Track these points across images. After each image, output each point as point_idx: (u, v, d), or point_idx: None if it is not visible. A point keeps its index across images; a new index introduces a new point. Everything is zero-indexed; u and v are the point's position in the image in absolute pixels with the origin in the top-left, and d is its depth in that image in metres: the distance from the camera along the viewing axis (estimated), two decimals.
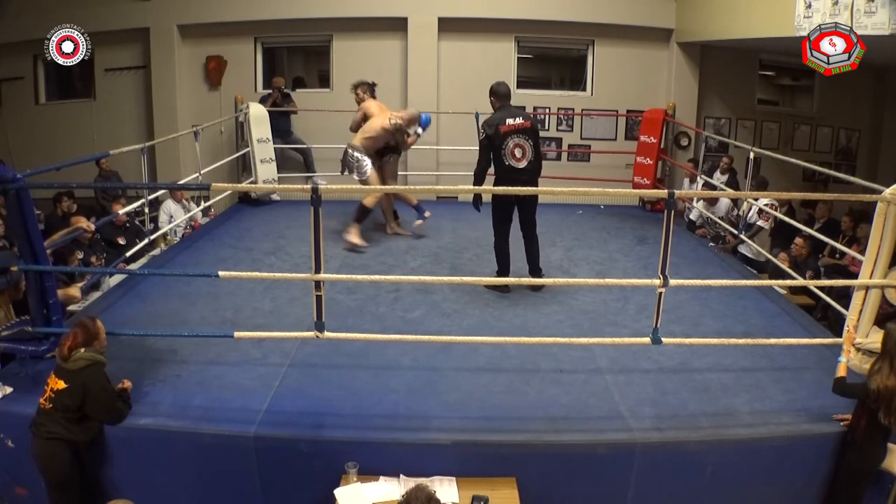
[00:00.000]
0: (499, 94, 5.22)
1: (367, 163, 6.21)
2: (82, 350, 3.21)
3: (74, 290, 4.76)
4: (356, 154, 6.20)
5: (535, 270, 5.31)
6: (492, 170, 5.15)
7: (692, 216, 7.42)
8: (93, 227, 4.87)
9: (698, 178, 7.44)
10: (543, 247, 6.14)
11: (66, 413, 3.18)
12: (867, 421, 3.26)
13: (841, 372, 3.43)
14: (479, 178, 5.12)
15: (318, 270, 3.47)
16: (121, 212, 6.16)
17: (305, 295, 4.30)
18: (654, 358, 4.12)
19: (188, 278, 5.04)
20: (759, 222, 6.42)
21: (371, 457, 3.24)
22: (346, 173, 6.38)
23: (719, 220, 6.80)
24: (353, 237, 6.17)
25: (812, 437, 3.45)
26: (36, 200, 3.92)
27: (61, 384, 3.16)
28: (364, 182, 6.23)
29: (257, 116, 7.78)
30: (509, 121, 5.05)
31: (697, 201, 7.33)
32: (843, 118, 9.17)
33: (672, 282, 3.53)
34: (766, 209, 6.27)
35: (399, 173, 8.56)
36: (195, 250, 6.16)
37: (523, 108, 6.65)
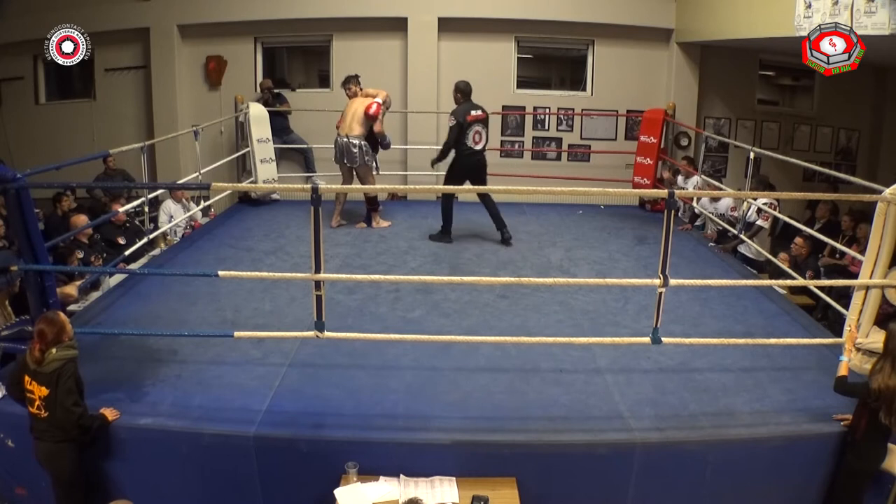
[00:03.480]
0: (464, 92, 6.26)
1: (370, 150, 6.58)
2: (53, 351, 3.14)
3: (71, 289, 4.77)
4: (361, 143, 6.47)
5: (502, 227, 6.40)
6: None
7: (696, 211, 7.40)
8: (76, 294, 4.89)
9: (698, 176, 7.44)
10: (543, 247, 6.17)
11: None
12: (868, 421, 3.26)
13: (842, 371, 3.43)
14: (444, 155, 6.27)
15: (318, 270, 3.47)
16: (120, 210, 6.16)
17: (305, 295, 4.30)
18: (654, 358, 4.12)
19: (188, 278, 5.04)
20: (759, 221, 6.41)
21: (371, 457, 3.24)
22: (349, 163, 6.57)
23: (711, 216, 6.80)
24: (381, 223, 6.84)
25: (812, 437, 3.45)
26: (36, 200, 3.93)
27: (45, 391, 3.11)
28: (368, 169, 6.61)
29: (257, 116, 7.78)
30: (473, 112, 6.17)
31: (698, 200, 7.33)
32: (843, 118, 9.16)
33: (672, 282, 3.53)
34: (765, 208, 6.26)
35: (399, 173, 8.62)
36: (195, 250, 6.16)
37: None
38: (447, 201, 6.47)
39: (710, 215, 6.86)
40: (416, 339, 3.98)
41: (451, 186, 6.28)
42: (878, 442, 3.32)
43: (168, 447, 3.36)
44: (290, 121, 8.60)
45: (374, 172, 7.20)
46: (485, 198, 6.39)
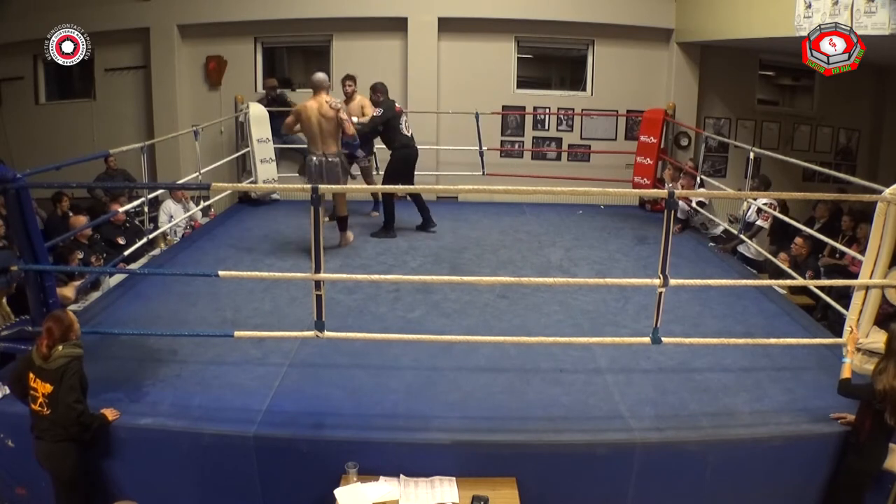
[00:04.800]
0: (384, 90, 6.63)
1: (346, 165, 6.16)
2: (60, 348, 3.16)
3: (68, 291, 4.75)
4: (337, 160, 5.81)
5: (429, 221, 6.81)
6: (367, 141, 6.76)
7: (679, 215, 7.37)
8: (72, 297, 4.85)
9: (698, 177, 7.43)
10: (543, 247, 6.17)
11: None
12: (872, 422, 3.25)
13: (846, 373, 3.41)
14: (366, 128, 6.47)
15: (318, 270, 3.47)
16: (120, 210, 6.16)
17: (305, 295, 4.29)
18: (654, 358, 4.11)
19: (188, 278, 5.04)
20: (759, 221, 6.41)
21: (371, 457, 3.24)
22: (332, 183, 5.69)
23: (699, 210, 6.81)
24: (349, 240, 6.30)
25: (812, 437, 3.45)
26: (36, 200, 3.93)
27: (49, 388, 3.12)
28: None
29: (257, 116, 7.78)
30: (396, 106, 6.60)
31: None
32: (843, 118, 9.16)
33: (672, 282, 3.53)
34: (765, 208, 6.27)
35: None
36: (195, 250, 6.16)
37: None
38: (392, 199, 6.67)
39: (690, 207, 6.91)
40: (416, 339, 3.98)
41: (394, 186, 6.42)
42: (882, 442, 3.32)
43: (168, 447, 3.36)
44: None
45: (375, 172, 7.19)
46: (416, 197, 6.84)
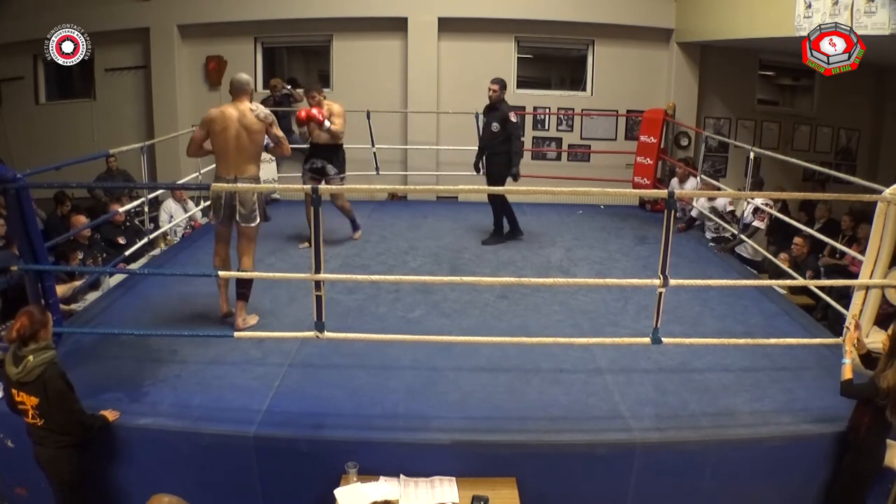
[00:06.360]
0: (507, 87, 6.34)
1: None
2: (31, 358, 3.04)
3: (59, 289, 4.74)
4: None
5: (516, 229, 6.56)
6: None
7: (693, 213, 7.40)
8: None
9: (699, 176, 7.43)
10: (543, 246, 6.15)
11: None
12: (871, 419, 3.25)
13: (847, 374, 3.39)
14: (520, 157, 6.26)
15: (318, 270, 3.47)
16: (120, 210, 6.16)
17: (305, 295, 4.29)
18: (654, 358, 4.11)
19: (188, 278, 5.04)
20: (755, 222, 6.41)
21: (371, 457, 3.24)
22: (244, 221, 4.52)
23: (710, 216, 6.80)
24: (248, 320, 4.42)
25: (812, 437, 3.44)
26: (36, 200, 3.93)
27: (35, 400, 3.07)
28: (254, 228, 4.50)
29: None
30: None
31: (697, 201, 7.32)
32: (843, 118, 9.17)
33: (672, 282, 3.53)
34: (763, 207, 6.26)
35: (399, 173, 8.60)
36: (195, 250, 6.16)
37: None
38: (508, 203, 6.44)
39: (703, 211, 6.88)
40: (416, 339, 3.98)
41: (505, 188, 6.15)
42: (881, 440, 3.32)
43: (168, 447, 3.36)
44: (292, 122, 8.60)
45: (375, 173, 7.09)
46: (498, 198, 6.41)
